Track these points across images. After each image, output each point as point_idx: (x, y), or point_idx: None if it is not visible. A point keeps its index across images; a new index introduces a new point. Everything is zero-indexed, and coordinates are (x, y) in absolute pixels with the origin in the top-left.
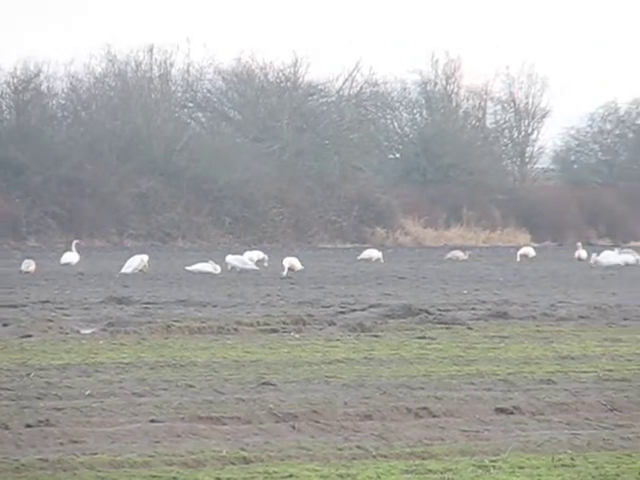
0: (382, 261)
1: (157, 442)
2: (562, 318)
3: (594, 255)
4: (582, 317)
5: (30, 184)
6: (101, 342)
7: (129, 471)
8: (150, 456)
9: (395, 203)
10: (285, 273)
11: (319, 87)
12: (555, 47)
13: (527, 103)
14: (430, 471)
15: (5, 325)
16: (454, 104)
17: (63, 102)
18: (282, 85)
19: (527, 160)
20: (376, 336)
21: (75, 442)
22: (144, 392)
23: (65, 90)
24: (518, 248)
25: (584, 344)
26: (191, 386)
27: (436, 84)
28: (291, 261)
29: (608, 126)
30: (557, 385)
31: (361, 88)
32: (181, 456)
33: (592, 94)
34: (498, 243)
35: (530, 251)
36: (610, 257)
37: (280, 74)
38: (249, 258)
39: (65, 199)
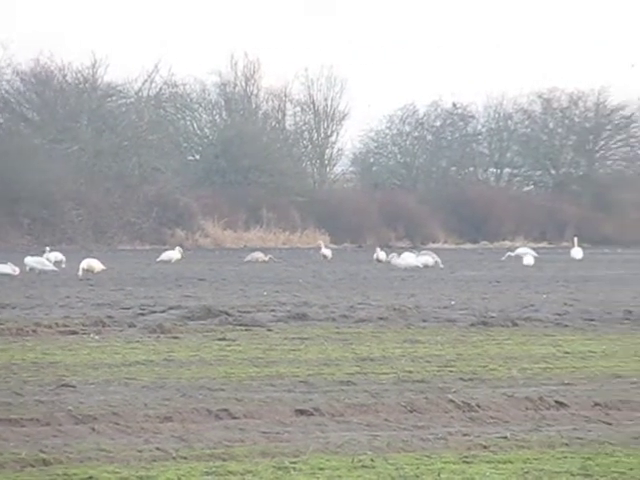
0: (182, 256)
1: None
2: (361, 320)
3: (393, 256)
4: (381, 319)
5: None
6: None
7: None
8: None
9: (195, 205)
10: (81, 274)
11: (118, 88)
12: (354, 49)
13: (326, 105)
14: (230, 472)
15: None
16: (254, 106)
17: None
18: (81, 86)
19: (326, 162)
20: (176, 338)
21: None
22: None
23: None
24: (318, 249)
25: (383, 345)
26: None
27: (235, 85)
28: (90, 263)
29: (407, 128)
30: (357, 386)
31: (160, 89)
32: None
33: (391, 96)
34: (298, 245)
35: (328, 252)
36: (409, 259)
37: (79, 75)
38: (47, 259)
39: None
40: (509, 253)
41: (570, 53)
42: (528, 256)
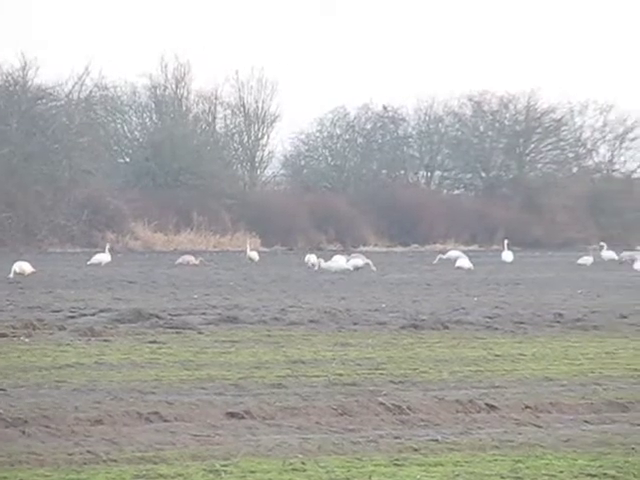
0: (110, 254)
1: None
2: (292, 322)
3: (322, 260)
4: (312, 321)
5: None
6: None
7: None
8: None
9: (125, 207)
10: (12, 276)
11: (48, 91)
12: (285, 51)
13: (257, 108)
14: (161, 476)
15: None
16: (184, 108)
17: None
18: (10, 89)
19: (257, 165)
20: (107, 340)
21: None
22: None
23: None
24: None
25: (315, 348)
26: None
27: (166, 88)
28: (21, 265)
29: (338, 131)
30: (288, 389)
31: (91, 92)
32: None
33: (322, 99)
34: (228, 248)
35: (255, 255)
36: (339, 262)
37: (9, 77)
38: None
39: None
40: (440, 256)
41: (500, 56)
42: (463, 259)
